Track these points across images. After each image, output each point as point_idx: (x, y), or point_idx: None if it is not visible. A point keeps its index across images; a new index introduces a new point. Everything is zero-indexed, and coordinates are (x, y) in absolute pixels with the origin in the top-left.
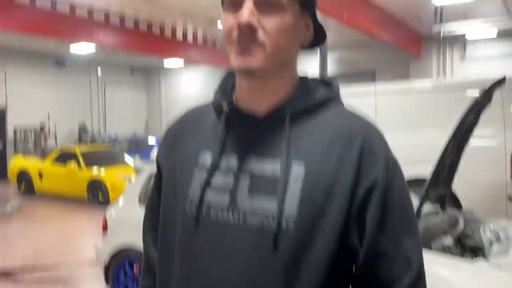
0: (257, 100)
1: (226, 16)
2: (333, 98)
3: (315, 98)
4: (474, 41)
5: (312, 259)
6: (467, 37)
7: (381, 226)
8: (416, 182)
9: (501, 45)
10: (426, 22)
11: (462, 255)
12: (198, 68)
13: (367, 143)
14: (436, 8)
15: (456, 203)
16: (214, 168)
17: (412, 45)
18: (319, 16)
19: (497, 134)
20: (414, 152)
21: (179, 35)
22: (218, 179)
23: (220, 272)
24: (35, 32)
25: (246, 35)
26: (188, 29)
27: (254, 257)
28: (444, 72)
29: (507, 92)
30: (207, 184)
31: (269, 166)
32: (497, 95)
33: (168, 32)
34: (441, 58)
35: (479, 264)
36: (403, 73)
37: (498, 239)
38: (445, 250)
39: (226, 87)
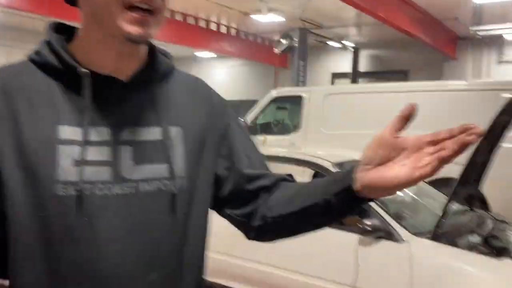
0: (123, 66)
1: None
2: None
3: (170, 62)
4: None
5: (198, 207)
6: (505, 37)
7: (243, 138)
8: (442, 181)
9: None
10: (463, 22)
11: (487, 254)
12: (230, 60)
13: (218, 97)
14: (475, 7)
15: (484, 205)
16: (86, 141)
17: (447, 46)
18: None
19: None
20: None
21: (213, 27)
22: (93, 154)
23: (119, 250)
24: None
25: (151, 1)
26: (222, 21)
27: (155, 223)
28: (480, 74)
29: None
30: (83, 159)
31: (149, 134)
32: None
33: (202, 24)
34: (477, 60)
35: (505, 262)
36: (437, 74)
37: None
38: (471, 248)
39: (62, 47)
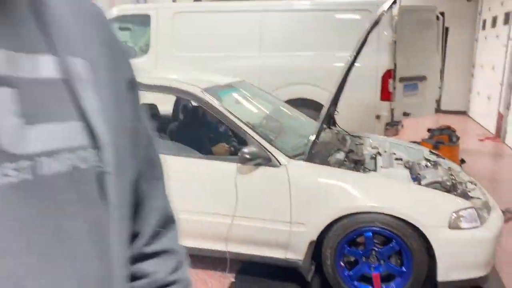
0: None
1: None
2: None
3: None
4: None
5: (125, 187)
6: None
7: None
8: (297, 101)
9: None
10: None
11: (354, 169)
12: None
13: (112, 27)
14: None
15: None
16: None
17: None
18: None
19: (371, 57)
20: (291, 73)
21: None
22: None
23: (10, 275)
24: None
25: None
26: None
27: (73, 231)
28: None
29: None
30: None
31: (39, 67)
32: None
33: None
34: None
35: (372, 175)
36: None
37: (378, 153)
38: (340, 165)
39: None
